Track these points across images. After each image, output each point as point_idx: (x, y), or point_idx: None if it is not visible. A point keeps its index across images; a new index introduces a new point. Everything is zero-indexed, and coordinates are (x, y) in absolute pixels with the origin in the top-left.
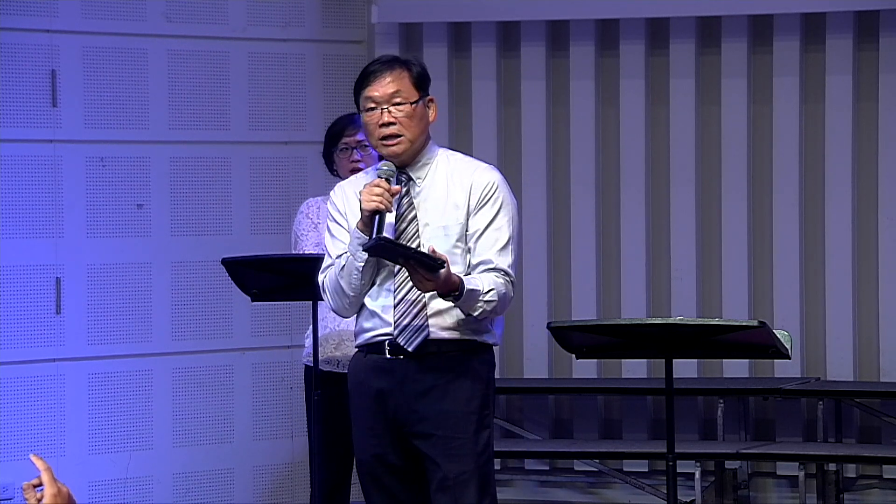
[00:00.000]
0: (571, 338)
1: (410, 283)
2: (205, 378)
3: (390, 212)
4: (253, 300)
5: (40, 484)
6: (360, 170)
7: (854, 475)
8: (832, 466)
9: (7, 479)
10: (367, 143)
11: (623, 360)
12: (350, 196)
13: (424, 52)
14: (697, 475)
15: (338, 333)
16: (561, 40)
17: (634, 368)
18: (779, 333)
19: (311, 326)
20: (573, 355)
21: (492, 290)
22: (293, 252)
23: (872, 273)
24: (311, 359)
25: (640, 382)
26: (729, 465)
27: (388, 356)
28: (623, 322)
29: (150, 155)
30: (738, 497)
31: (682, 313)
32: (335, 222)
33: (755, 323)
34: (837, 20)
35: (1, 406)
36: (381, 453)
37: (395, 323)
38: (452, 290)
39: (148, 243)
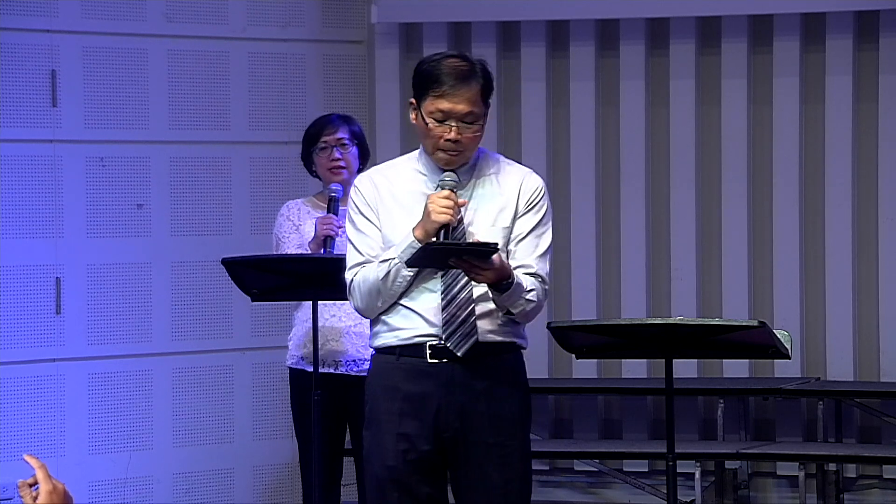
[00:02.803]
0: (571, 338)
1: (460, 284)
2: (205, 378)
3: (454, 225)
4: (253, 300)
5: (36, 483)
6: (340, 168)
7: (854, 475)
8: (832, 466)
9: (7, 479)
10: (346, 142)
11: (623, 360)
12: (381, 188)
13: (424, 52)
14: (697, 475)
15: (326, 330)
16: (561, 40)
17: (634, 368)
18: (779, 333)
19: (294, 329)
20: (573, 355)
21: (533, 290)
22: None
23: (872, 273)
24: (296, 360)
25: (640, 382)
26: (729, 465)
27: (430, 360)
28: (623, 322)
29: (150, 155)
30: (738, 497)
31: (682, 313)
32: (362, 216)
33: (755, 323)
34: (837, 20)
35: (1, 406)
36: (414, 459)
37: (443, 325)
38: (506, 276)
39: (148, 243)
